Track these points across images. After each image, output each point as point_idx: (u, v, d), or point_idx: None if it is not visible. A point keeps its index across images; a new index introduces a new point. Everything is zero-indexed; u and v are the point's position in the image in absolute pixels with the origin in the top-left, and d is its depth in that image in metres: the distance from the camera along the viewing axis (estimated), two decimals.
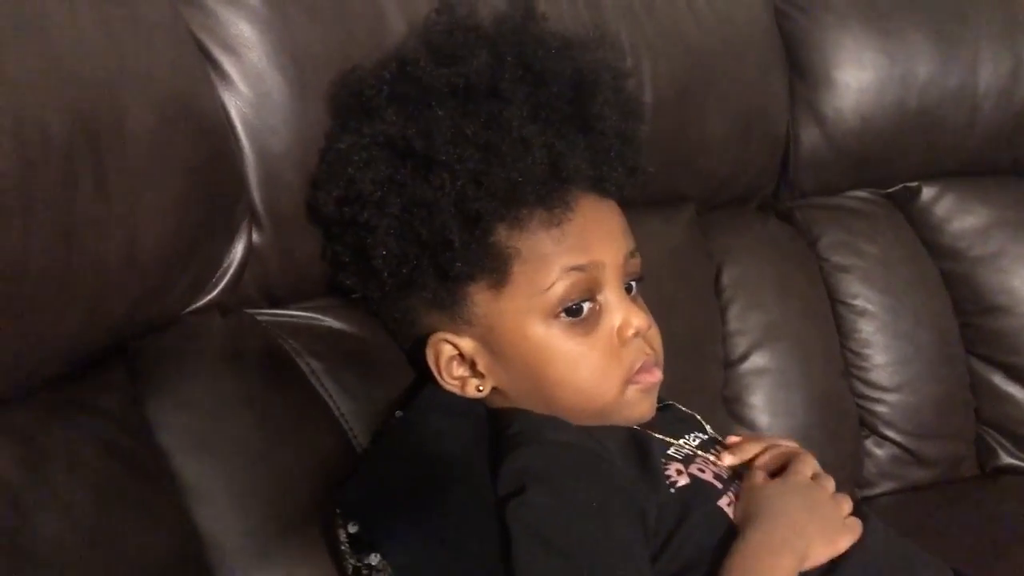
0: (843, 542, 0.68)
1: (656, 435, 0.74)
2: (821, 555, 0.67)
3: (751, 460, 0.75)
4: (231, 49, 0.75)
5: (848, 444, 1.20)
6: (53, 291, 0.56)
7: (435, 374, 0.75)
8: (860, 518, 0.70)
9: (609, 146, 0.77)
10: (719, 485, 0.72)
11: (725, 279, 1.19)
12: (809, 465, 0.74)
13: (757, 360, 1.17)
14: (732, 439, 0.78)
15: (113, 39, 0.62)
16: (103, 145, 0.58)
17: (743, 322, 1.18)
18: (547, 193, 0.71)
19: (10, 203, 0.51)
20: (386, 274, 0.73)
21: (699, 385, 1.11)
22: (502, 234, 0.71)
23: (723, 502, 0.70)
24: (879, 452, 1.22)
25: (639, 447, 0.71)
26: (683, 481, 0.70)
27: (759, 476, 0.73)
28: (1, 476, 0.54)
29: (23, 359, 0.57)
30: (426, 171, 0.71)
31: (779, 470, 0.74)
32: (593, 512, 0.63)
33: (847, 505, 0.72)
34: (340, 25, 0.80)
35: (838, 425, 1.19)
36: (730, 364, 1.17)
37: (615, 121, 0.77)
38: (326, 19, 0.79)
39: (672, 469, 0.71)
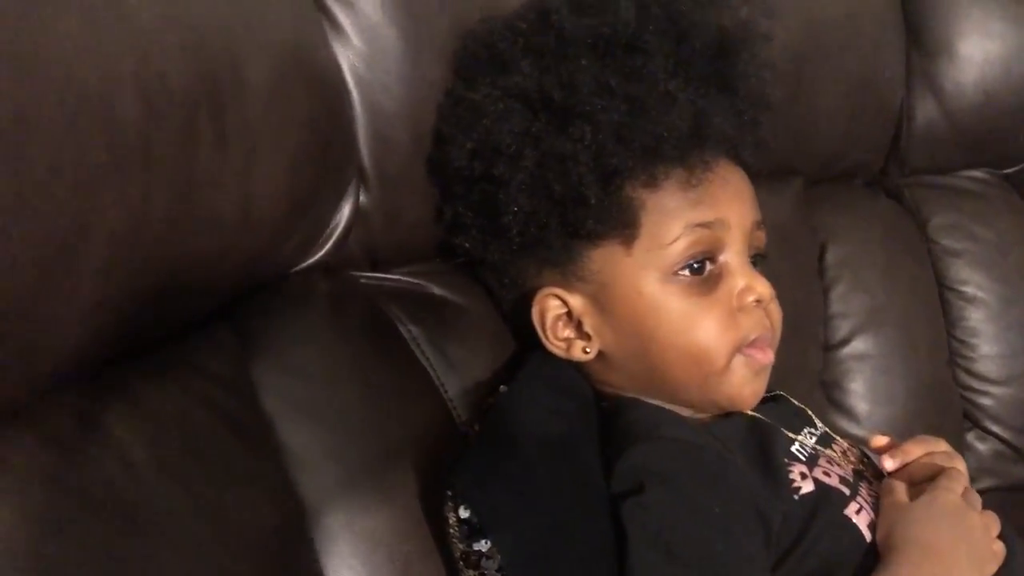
0: (990, 569, 0.64)
1: (778, 429, 0.70)
2: None
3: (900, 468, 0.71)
4: (346, 1, 0.72)
5: (950, 437, 1.12)
6: (171, 249, 0.53)
7: (540, 334, 0.73)
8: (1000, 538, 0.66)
9: (746, 110, 0.73)
10: (846, 491, 0.67)
11: (830, 258, 1.13)
12: (960, 481, 0.69)
13: (859, 345, 1.11)
14: (881, 440, 0.73)
15: None
16: (222, 97, 0.56)
17: (846, 304, 1.12)
18: (687, 151, 0.68)
19: (133, 156, 0.49)
20: (514, 231, 0.71)
21: (798, 368, 1.07)
22: (635, 191, 0.68)
23: (850, 510, 0.66)
24: (981, 447, 1.17)
25: (761, 444, 0.67)
26: (807, 487, 0.66)
27: (903, 492, 0.68)
28: (123, 447, 0.52)
29: (136, 318, 0.55)
30: (564, 124, 0.68)
31: (922, 478, 0.69)
32: (715, 519, 0.60)
33: (995, 527, 0.67)
34: None
35: (940, 417, 1.14)
36: (830, 347, 1.12)
37: (755, 85, 0.73)
38: None
39: (796, 472, 0.67)
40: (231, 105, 0.56)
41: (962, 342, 1.17)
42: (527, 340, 0.76)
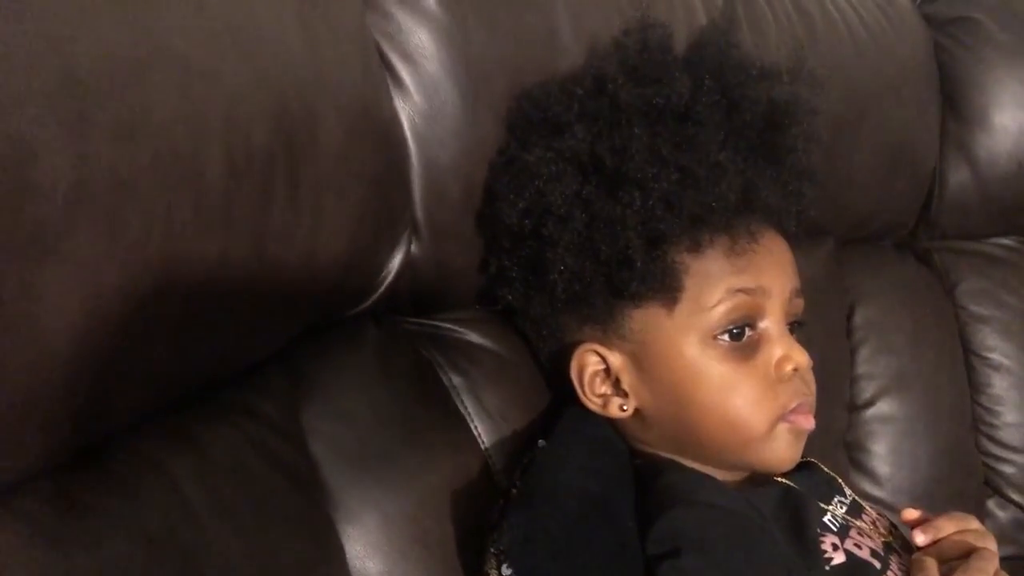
0: None
1: (812, 498, 0.71)
2: None
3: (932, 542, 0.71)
4: (409, 57, 0.74)
5: (970, 503, 1.15)
6: (241, 303, 0.55)
7: (577, 388, 0.74)
8: None
9: (791, 181, 0.75)
10: (877, 564, 0.68)
11: (858, 319, 1.15)
12: (992, 562, 0.69)
13: (884, 407, 1.13)
14: (913, 513, 0.73)
15: (311, 46, 0.61)
16: (297, 155, 0.58)
17: (873, 365, 1.14)
18: (733, 221, 0.70)
19: (215, 214, 0.51)
20: (560, 289, 0.72)
21: (823, 427, 1.05)
22: (680, 256, 0.70)
23: None
24: (1001, 515, 1.18)
25: (795, 513, 0.68)
26: (839, 559, 0.67)
27: (935, 569, 0.68)
28: (181, 488, 0.53)
29: (203, 367, 0.57)
30: (614, 188, 0.70)
31: (953, 556, 0.70)
32: None
33: None
34: (515, 40, 0.78)
35: (962, 482, 1.15)
36: (855, 408, 1.13)
37: (801, 157, 0.75)
38: (502, 33, 0.77)
39: (828, 543, 0.68)
40: (305, 161, 0.58)
41: (986, 409, 1.18)
42: (563, 392, 0.78)
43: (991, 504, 1.18)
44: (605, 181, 0.71)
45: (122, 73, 0.43)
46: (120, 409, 0.51)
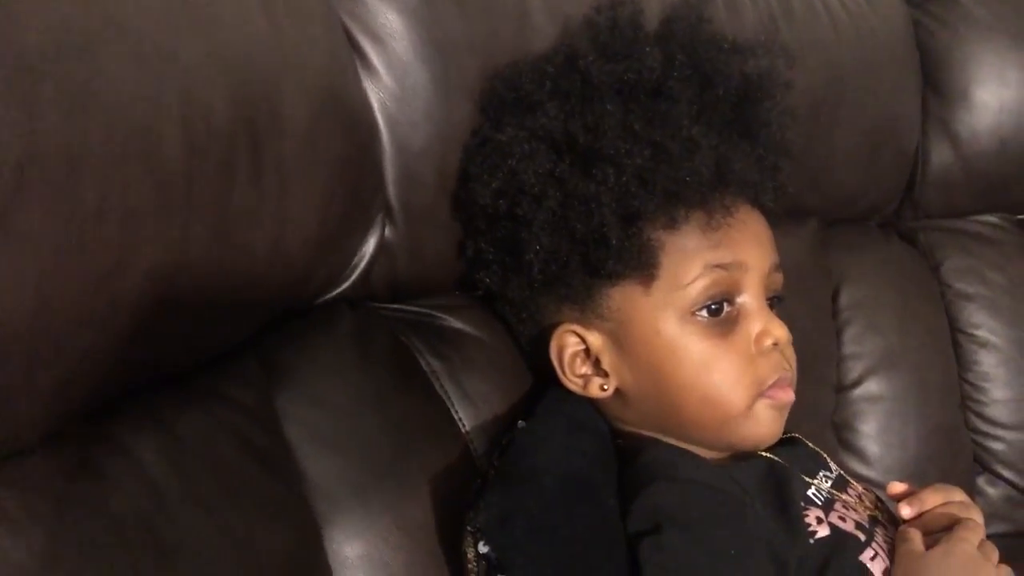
0: None
1: (796, 472, 0.71)
2: None
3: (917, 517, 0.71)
4: (378, 38, 0.73)
5: (960, 481, 1.14)
6: (205, 283, 0.55)
7: (557, 370, 0.74)
8: None
9: (767, 156, 0.75)
10: (861, 537, 0.68)
11: (843, 299, 1.14)
12: (977, 532, 0.69)
13: (871, 387, 1.12)
14: (898, 487, 0.73)
15: (273, 25, 0.60)
16: (261, 135, 0.57)
17: (860, 345, 1.13)
18: (708, 195, 0.69)
19: (175, 192, 0.50)
20: (536, 270, 0.72)
21: (810, 408, 1.07)
22: (655, 233, 0.69)
23: (865, 556, 0.66)
24: (992, 492, 1.17)
25: (779, 487, 0.68)
26: (823, 532, 0.66)
27: (919, 540, 0.68)
28: (148, 472, 0.53)
29: (167, 349, 0.56)
30: (588, 166, 0.69)
31: (938, 527, 0.70)
32: (730, 561, 0.60)
33: None
34: (486, 19, 0.78)
35: (951, 460, 1.14)
36: (842, 389, 1.12)
37: (775, 131, 0.75)
38: (472, 12, 0.77)
39: (812, 516, 0.67)
40: (268, 142, 0.57)
41: (974, 386, 1.18)
42: (544, 375, 0.77)
43: (981, 481, 1.17)
44: (578, 159, 0.70)
45: (72, 46, 0.43)
46: (84, 392, 0.50)
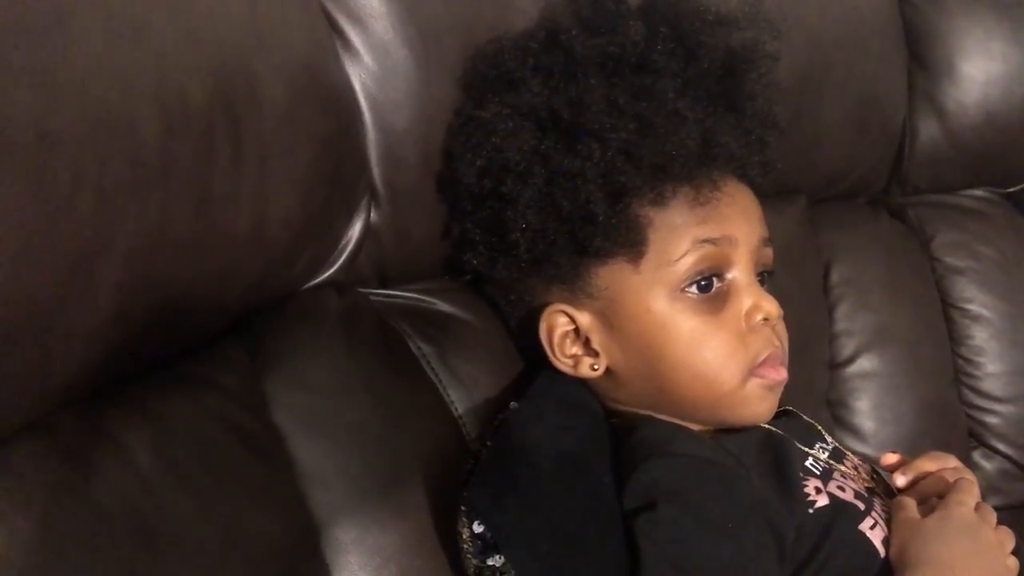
0: None
1: (793, 442, 0.70)
2: None
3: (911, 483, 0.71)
4: (357, 19, 0.72)
5: (956, 455, 1.14)
6: (186, 265, 0.54)
7: (547, 351, 0.73)
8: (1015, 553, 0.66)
9: (753, 129, 0.74)
10: (860, 506, 0.67)
11: (834, 277, 1.14)
12: (972, 492, 0.68)
13: (865, 363, 1.12)
14: (892, 457, 0.73)
15: (249, 5, 0.59)
16: (239, 114, 0.56)
17: (851, 323, 1.13)
18: (695, 170, 0.69)
19: (151, 173, 0.49)
20: (523, 249, 0.71)
21: (804, 386, 1.07)
22: (643, 209, 0.69)
23: (865, 525, 0.66)
24: (987, 465, 1.17)
25: (776, 457, 0.67)
26: (822, 501, 0.66)
27: (914, 508, 0.67)
28: (135, 459, 0.52)
29: (150, 333, 0.55)
30: (573, 142, 0.68)
31: (934, 494, 0.69)
32: (727, 534, 0.60)
33: (1010, 543, 0.67)
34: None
35: (946, 435, 1.14)
36: (836, 366, 1.12)
37: (762, 104, 0.74)
38: None
39: (811, 486, 0.67)
40: (247, 122, 0.57)
41: (967, 360, 1.17)
42: (534, 358, 0.76)
43: (977, 455, 1.17)
44: (563, 135, 0.70)
45: (40, 17, 0.42)
46: (66, 378, 0.49)
